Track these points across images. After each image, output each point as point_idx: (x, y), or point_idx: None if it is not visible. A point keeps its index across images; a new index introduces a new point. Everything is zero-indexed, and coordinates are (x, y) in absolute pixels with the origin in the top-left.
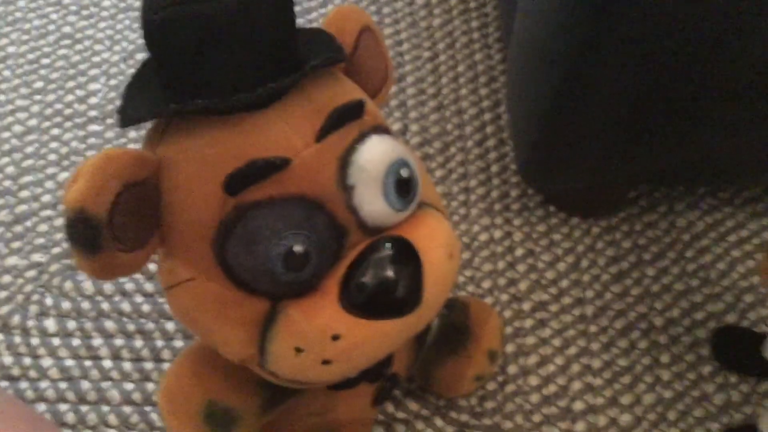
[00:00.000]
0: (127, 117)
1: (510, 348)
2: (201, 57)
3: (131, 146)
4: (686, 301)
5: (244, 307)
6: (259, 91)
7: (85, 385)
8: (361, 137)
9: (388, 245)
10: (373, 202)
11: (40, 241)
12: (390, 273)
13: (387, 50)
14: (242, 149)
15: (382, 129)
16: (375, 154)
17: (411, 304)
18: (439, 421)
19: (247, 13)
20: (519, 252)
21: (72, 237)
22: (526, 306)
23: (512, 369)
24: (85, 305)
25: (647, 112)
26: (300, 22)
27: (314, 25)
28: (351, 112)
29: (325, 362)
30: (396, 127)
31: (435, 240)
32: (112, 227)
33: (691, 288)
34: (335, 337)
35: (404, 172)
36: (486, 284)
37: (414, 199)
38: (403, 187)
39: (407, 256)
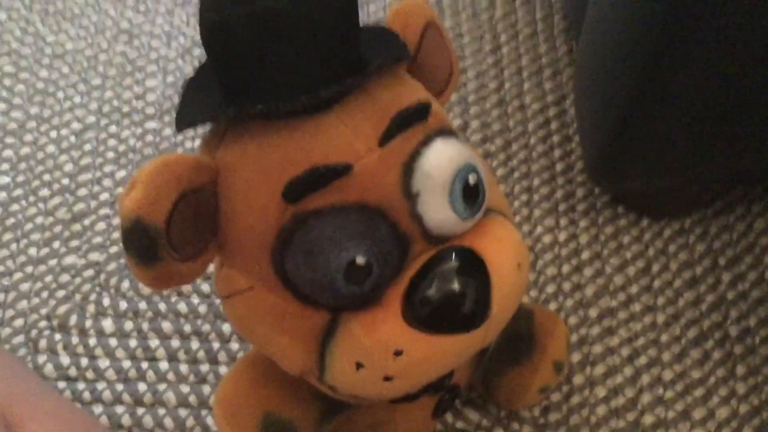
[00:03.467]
0: (184, 121)
1: (576, 357)
2: (261, 58)
3: (188, 143)
4: (764, 310)
5: (303, 319)
6: (322, 94)
7: (142, 387)
8: (427, 141)
9: (454, 256)
10: (438, 211)
11: (98, 239)
12: (456, 286)
13: (452, 47)
14: (303, 155)
15: (448, 132)
16: (441, 159)
17: (478, 318)
18: None
19: (309, 12)
20: (585, 255)
21: (128, 247)
22: (593, 313)
23: (578, 379)
24: (142, 305)
25: (729, 111)
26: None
27: (370, 15)
28: (416, 115)
29: (387, 378)
30: (456, 123)
31: (503, 250)
32: (170, 236)
33: None
34: (397, 353)
35: (472, 179)
36: (550, 289)
37: (481, 207)
38: (470, 195)
39: (474, 268)
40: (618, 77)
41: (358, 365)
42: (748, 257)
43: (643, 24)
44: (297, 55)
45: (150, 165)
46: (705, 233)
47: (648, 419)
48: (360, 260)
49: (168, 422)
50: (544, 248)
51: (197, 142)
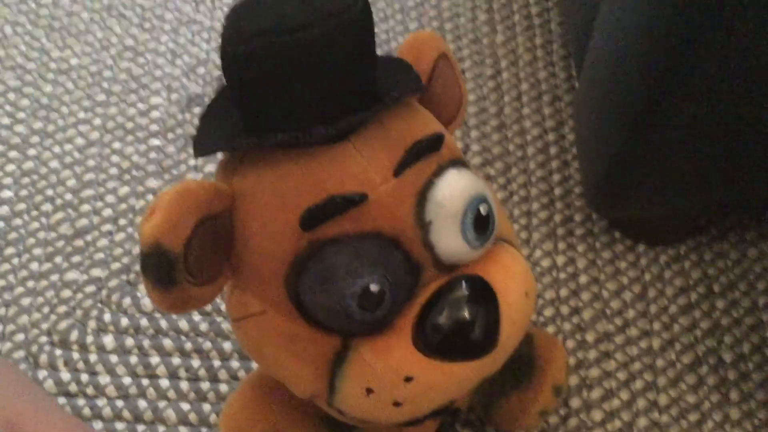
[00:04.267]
0: (203, 148)
1: (573, 380)
2: (281, 89)
3: (191, 161)
4: (757, 336)
5: (315, 344)
6: (340, 125)
7: (142, 403)
8: (439, 171)
9: (464, 285)
10: (450, 239)
11: (100, 255)
12: (466, 314)
13: (462, 78)
14: (319, 184)
15: (460, 162)
16: (454, 189)
17: (487, 346)
18: None
19: (330, 46)
20: (583, 279)
21: (146, 271)
22: (590, 337)
23: (575, 402)
24: (144, 322)
25: (725, 143)
26: None
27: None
28: (430, 146)
29: (396, 404)
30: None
31: (512, 279)
32: (187, 261)
33: (763, 322)
34: (408, 379)
35: (483, 209)
36: (548, 312)
37: (491, 236)
38: (481, 224)
39: (484, 296)
40: (618, 108)
41: (369, 390)
42: (741, 284)
43: (644, 57)
44: (316, 86)
45: (170, 191)
46: (700, 260)
47: None
48: (374, 288)
49: None
50: (542, 272)
51: (201, 161)
